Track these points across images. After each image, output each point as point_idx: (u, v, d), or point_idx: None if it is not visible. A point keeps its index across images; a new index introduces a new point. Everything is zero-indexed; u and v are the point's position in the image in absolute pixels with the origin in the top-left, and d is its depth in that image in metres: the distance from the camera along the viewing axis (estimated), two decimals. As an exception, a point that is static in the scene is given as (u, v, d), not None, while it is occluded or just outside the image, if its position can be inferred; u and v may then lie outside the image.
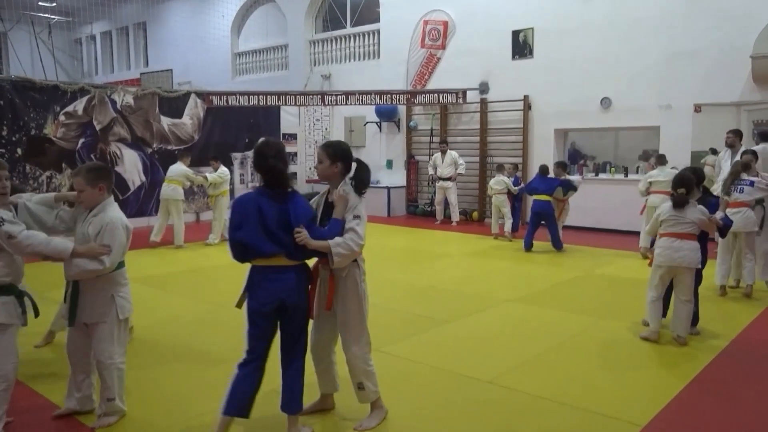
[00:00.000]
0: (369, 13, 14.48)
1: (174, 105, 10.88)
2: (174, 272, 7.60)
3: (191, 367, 4.22)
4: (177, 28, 18.74)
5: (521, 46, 11.61)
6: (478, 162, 12.20)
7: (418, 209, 13.26)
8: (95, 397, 3.43)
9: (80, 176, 3.28)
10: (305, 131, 14.14)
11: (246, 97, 11.55)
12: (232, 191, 10.27)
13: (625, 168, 11.04)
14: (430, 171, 12.03)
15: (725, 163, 7.46)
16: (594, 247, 9.09)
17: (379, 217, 12.47)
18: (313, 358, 3.34)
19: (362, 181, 3.24)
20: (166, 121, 10.75)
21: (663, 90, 9.99)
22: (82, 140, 9.70)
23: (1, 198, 3.04)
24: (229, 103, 11.40)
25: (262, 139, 3.28)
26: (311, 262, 3.22)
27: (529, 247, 8.82)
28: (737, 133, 7.58)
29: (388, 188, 13.13)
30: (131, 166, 10.30)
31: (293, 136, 13.59)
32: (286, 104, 12.25)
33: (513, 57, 11.72)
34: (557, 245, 8.78)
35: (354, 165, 3.26)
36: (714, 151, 8.70)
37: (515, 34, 11.63)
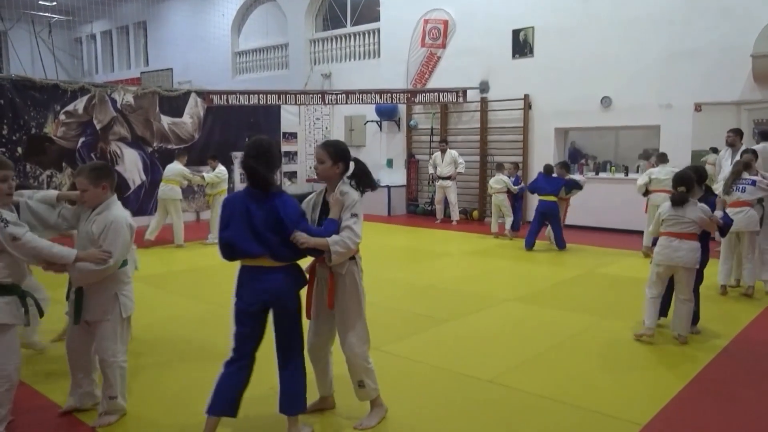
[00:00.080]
0: (369, 12, 14.49)
1: (174, 104, 10.88)
2: (174, 271, 7.60)
3: (192, 366, 4.23)
4: (177, 27, 18.75)
5: (521, 45, 11.61)
6: (479, 161, 12.20)
7: (418, 208, 13.26)
8: (98, 392, 3.43)
9: (83, 176, 3.27)
10: (305, 130, 14.14)
11: (246, 96, 11.55)
12: (231, 190, 10.26)
13: (626, 167, 11.04)
14: (430, 170, 12.04)
15: (725, 162, 7.46)
16: (595, 246, 9.08)
17: (379, 216, 12.47)
18: (311, 359, 3.33)
19: (369, 181, 3.26)
20: (166, 120, 10.74)
21: (663, 89, 9.98)
22: (82, 139, 9.70)
23: (5, 198, 3.02)
24: (230, 102, 11.39)
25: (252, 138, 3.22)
26: (307, 262, 3.20)
27: (530, 246, 8.82)
28: (738, 132, 7.57)
29: (389, 187, 13.12)
30: (131, 165, 10.30)
31: (293, 135, 13.60)
32: (286, 103, 12.25)
33: (513, 56, 11.72)
34: (560, 244, 8.79)
35: (351, 164, 3.25)
36: (715, 150, 8.69)
37: (515, 33, 11.63)
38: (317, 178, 3.32)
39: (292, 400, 3.07)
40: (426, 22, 12.77)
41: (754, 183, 6.10)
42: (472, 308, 5.76)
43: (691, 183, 4.70)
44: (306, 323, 3.26)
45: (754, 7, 9.10)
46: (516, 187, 9.94)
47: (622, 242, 9.33)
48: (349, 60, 14.73)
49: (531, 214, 9.59)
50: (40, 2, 17.98)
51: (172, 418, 3.43)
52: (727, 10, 9.34)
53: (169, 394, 3.79)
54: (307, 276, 3.23)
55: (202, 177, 9.45)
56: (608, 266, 7.76)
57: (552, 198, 8.70)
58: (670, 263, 4.68)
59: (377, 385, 3.33)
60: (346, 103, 12.39)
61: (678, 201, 4.66)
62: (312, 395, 3.40)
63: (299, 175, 13.63)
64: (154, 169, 10.44)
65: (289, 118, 13.20)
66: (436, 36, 12.70)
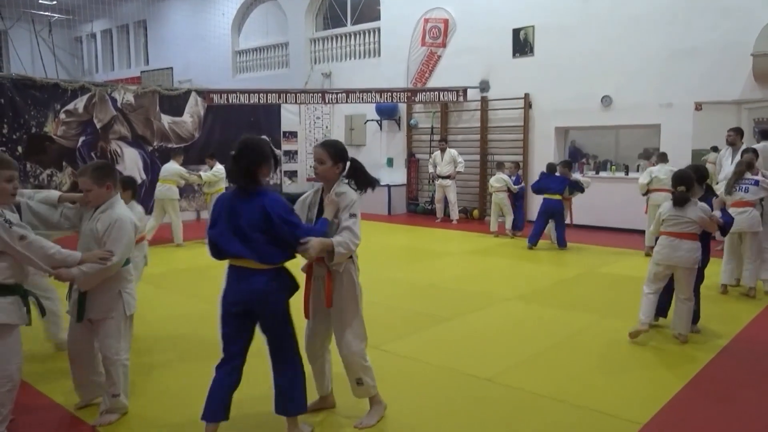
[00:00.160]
0: (369, 11, 14.48)
1: (174, 103, 10.86)
2: (174, 270, 7.60)
3: (192, 365, 4.23)
4: (177, 26, 18.75)
5: (522, 44, 11.60)
6: (479, 160, 12.19)
7: (418, 207, 13.26)
8: (102, 381, 3.42)
9: (86, 176, 3.27)
10: (306, 129, 14.12)
11: (246, 95, 11.53)
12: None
13: (626, 166, 11.03)
14: (430, 169, 12.04)
15: (726, 161, 7.46)
16: (595, 246, 9.08)
17: (379, 215, 12.48)
18: (308, 358, 3.31)
19: (367, 180, 3.25)
20: (166, 119, 10.73)
21: (663, 88, 9.97)
22: (82, 138, 9.69)
23: (10, 198, 2.99)
24: (230, 101, 11.38)
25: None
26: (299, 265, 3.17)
27: (534, 242, 8.82)
28: (738, 131, 7.57)
29: (389, 186, 13.12)
30: (132, 164, 10.28)
31: (294, 134, 13.57)
32: (286, 102, 12.23)
33: (513, 55, 11.71)
34: (561, 243, 8.79)
35: (348, 164, 3.23)
36: (715, 149, 8.69)
37: (516, 32, 11.62)
38: (316, 178, 3.30)
39: (291, 401, 3.05)
40: (426, 21, 12.77)
41: (757, 183, 6.06)
42: (472, 307, 5.77)
43: (690, 182, 4.68)
44: (299, 323, 3.24)
45: (755, 5, 9.09)
46: (516, 187, 9.94)
47: (622, 241, 9.33)
48: (350, 59, 14.72)
49: (533, 213, 9.59)
50: (40, 1, 17.97)
51: (172, 416, 3.43)
52: (728, 9, 9.33)
53: (169, 392, 3.79)
54: (304, 275, 3.22)
55: (199, 176, 9.45)
56: (609, 265, 7.76)
57: (557, 196, 8.71)
58: (669, 263, 4.68)
59: (375, 382, 3.33)
60: (347, 102, 12.38)
61: (680, 201, 4.65)
62: (312, 395, 3.41)
63: (299, 174, 13.62)
64: (154, 168, 10.42)
65: (290, 117, 13.18)
66: (437, 35, 12.69)
